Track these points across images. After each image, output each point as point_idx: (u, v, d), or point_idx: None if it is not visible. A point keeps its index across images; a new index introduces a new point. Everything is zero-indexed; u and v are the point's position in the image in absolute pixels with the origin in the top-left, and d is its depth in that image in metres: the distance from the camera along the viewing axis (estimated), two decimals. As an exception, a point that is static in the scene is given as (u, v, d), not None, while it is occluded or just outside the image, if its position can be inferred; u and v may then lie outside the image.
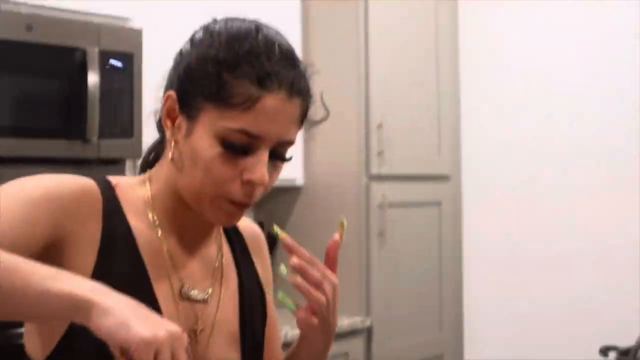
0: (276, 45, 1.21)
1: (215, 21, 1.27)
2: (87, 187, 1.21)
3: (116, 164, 3.04)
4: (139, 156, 2.98)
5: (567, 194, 3.77)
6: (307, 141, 3.53)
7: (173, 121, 1.23)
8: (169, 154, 1.24)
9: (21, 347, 1.25)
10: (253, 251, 1.45)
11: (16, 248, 1.06)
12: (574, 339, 3.62)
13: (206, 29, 1.25)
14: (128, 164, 3.11)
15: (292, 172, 3.61)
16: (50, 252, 1.14)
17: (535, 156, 3.89)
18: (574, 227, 3.75)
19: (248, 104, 1.15)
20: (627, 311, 3.44)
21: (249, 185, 1.17)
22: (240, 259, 1.41)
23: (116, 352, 0.98)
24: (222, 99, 1.16)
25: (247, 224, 1.49)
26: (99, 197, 1.22)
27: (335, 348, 3.31)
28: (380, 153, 3.62)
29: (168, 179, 1.27)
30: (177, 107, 1.22)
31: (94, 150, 2.87)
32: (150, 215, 1.27)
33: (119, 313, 0.97)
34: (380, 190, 3.62)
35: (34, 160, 2.76)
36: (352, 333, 3.53)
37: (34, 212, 1.12)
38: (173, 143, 1.22)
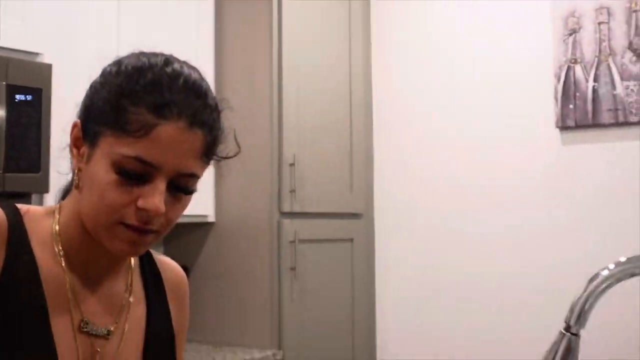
0: (182, 77, 1.19)
1: (129, 55, 1.25)
2: None
3: (22, 198, 2.92)
4: (45, 191, 2.91)
5: (482, 231, 3.81)
6: (218, 177, 3.51)
7: (79, 149, 1.22)
8: (75, 183, 1.22)
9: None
10: (171, 294, 1.42)
11: None
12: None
13: (117, 61, 1.24)
14: (34, 198, 3.00)
15: (203, 208, 3.60)
16: None
17: (450, 193, 3.92)
18: (486, 264, 3.80)
19: (143, 131, 1.13)
20: (537, 332, 3.50)
21: (143, 212, 1.14)
22: (153, 299, 1.37)
23: None
24: (119, 125, 1.15)
25: (171, 267, 1.47)
26: (5, 224, 1.18)
27: None
28: (292, 191, 3.60)
29: (74, 208, 1.24)
30: (81, 135, 1.21)
31: (-1, 183, 2.79)
32: (55, 247, 1.24)
33: None
34: (292, 227, 3.60)
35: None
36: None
37: None
38: (77, 170, 1.21)
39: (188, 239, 3.74)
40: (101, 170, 1.16)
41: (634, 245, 3.26)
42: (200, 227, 3.73)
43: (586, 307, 1.29)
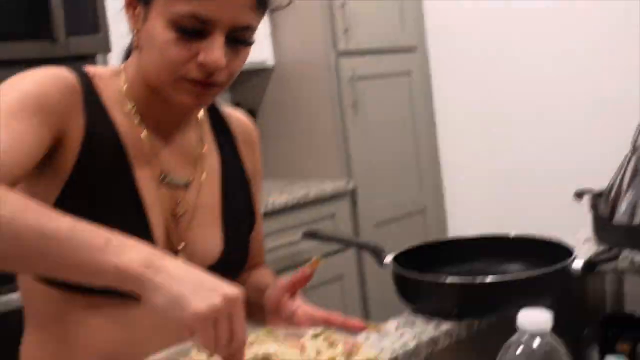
0: None
1: None
2: (67, 82, 1.19)
3: (86, 60, 2.94)
4: (108, 50, 2.92)
5: (539, 55, 3.71)
6: (273, 23, 3.48)
7: (134, 10, 1.21)
8: (134, 43, 1.22)
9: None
10: (241, 143, 1.43)
11: (15, 177, 1.05)
12: (550, 189, 3.65)
13: None
14: (99, 58, 3.03)
15: (261, 54, 3.59)
16: (47, 157, 1.13)
17: (503, 22, 3.80)
18: (544, 84, 3.71)
19: None
20: (599, 159, 3.46)
21: (205, 66, 1.14)
22: (225, 149, 1.39)
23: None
24: None
25: (237, 117, 1.47)
26: (79, 89, 1.19)
27: (320, 211, 3.42)
28: (346, 30, 3.57)
29: (138, 68, 1.24)
30: None
31: (63, 48, 2.78)
32: (128, 105, 1.25)
33: (170, 288, 0.94)
34: (349, 64, 3.59)
35: (5, 63, 2.64)
36: (336, 196, 3.58)
37: (26, 127, 1.10)
38: (135, 31, 1.20)
39: (250, 84, 3.77)
40: (158, 29, 1.15)
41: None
42: (261, 73, 3.74)
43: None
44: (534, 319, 0.88)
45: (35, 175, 1.15)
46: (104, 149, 1.21)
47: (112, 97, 1.25)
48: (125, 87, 1.27)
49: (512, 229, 1.88)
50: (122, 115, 1.25)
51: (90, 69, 1.26)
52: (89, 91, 1.22)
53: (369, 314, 3.65)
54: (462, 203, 4.08)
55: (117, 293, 1.19)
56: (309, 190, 3.42)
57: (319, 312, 1.26)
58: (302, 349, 1.11)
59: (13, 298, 2.53)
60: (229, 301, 0.94)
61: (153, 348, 1.10)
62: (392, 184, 3.85)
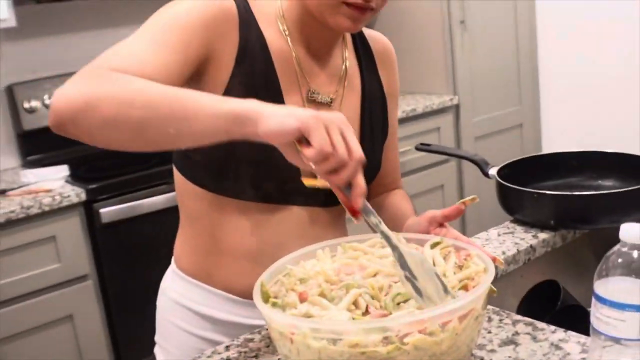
0: None
1: None
2: (222, 3, 1.18)
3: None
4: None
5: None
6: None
7: None
8: None
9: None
10: (380, 63, 1.42)
11: (172, 76, 1.07)
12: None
13: None
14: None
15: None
16: (198, 69, 1.15)
17: None
18: None
19: None
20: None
21: None
22: (366, 68, 1.39)
23: (285, 149, 0.97)
24: None
25: (377, 38, 1.45)
26: (234, 9, 1.19)
27: (427, 124, 3.43)
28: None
29: None
30: None
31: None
32: (280, 26, 1.25)
33: (282, 112, 0.96)
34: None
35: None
36: (442, 110, 3.56)
37: (184, 38, 1.12)
38: None
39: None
40: None
41: None
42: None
43: None
44: (637, 232, 0.88)
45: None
46: (256, 66, 1.21)
47: (267, 17, 1.25)
48: (281, 7, 1.26)
49: (606, 146, 1.84)
50: (275, 34, 1.25)
51: None
52: (246, 10, 1.21)
53: (466, 223, 3.66)
54: (557, 121, 3.98)
55: (263, 199, 1.25)
56: (417, 104, 3.42)
57: (465, 239, 1.19)
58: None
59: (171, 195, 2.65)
60: (335, 116, 0.96)
61: (294, 250, 1.15)
62: (493, 101, 3.79)
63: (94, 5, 2.98)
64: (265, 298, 1.03)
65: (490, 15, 3.65)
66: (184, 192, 1.33)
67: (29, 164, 2.90)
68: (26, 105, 2.88)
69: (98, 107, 0.98)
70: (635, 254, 0.88)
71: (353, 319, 0.96)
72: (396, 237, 1.04)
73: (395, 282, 1.01)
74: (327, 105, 1.29)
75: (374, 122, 1.37)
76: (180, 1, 1.16)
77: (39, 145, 2.95)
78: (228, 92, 1.17)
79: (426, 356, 0.92)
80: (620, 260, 0.88)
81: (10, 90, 2.89)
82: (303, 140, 0.94)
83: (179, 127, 0.99)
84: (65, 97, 1.00)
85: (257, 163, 1.21)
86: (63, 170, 2.71)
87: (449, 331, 0.92)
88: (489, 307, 1.23)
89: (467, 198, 1.18)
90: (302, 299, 1.01)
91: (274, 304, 1.02)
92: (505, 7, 3.73)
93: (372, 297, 1.00)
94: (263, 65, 1.21)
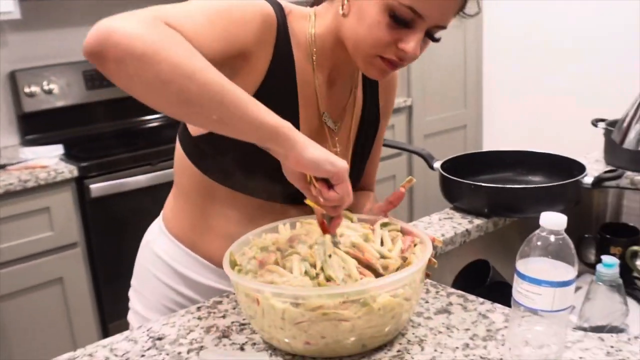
0: None
1: None
2: (269, 14, 1.11)
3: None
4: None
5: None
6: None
7: None
8: (339, 6, 1.13)
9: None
10: (382, 90, 1.36)
11: (214, 59, 0.97)
12: (572, 115, 3.58)
13: None
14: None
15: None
16: (232, 65, 1.07)
17: None
18: (581, 20, 3.54)
19: None
20: (617, 93, 3.36)
21: (402, 52, 1.08)
22: (369, 97, 1.33)
23: (298, 177, 1.04)
24: None
25: None
26: (275, 24, 1.12)
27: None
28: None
29: (333, 24, 1.16)
30: None
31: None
32: (309, 49, 1.18)
33: (317, 150, 0.99)
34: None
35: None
36: (397, 110, 3.57)
37: (233, 30, 1.04)
38: (346, 2, 1.11)
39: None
40: (374, 9, 1.06)
41: None
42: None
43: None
44: (553, 220, 0.90)
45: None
46: (281, 83, 1.14)
47: (299, 39, 1.17)
48: (313, 32, 1.18)
49: (537, 147, 1.86)
50: (303, 55, 1.18)
51: (286, 5, 1.17)
52: (283, 28, 1.14)
53: (413, 209, 3.69)
54: (496, 124, 4.02)
55: (252, 194, 1.23)
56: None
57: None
58: (372, 231, 1.13)
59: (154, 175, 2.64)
60: (346, 171, 1.02)
61: None
62: (442, 104, 3.82)
63: (91, 3, 2.95)
64: (233, 266, 1.05)
65: (443, 31, 3.66)
66: (181, 168, 1.27)
67: (27, 143, 2.86)
68: (27, 90, 2.84)
69: (156, 64, 0.87)
70: (552, 238, 0.89)
71: (318, 284, 0.98)
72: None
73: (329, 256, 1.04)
74: (333, 130, 1.26)
75: (366, 143, 1.35)
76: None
77: (37, 126, 2.91)
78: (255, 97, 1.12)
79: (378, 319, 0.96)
80: (539, 243, 0.89)
81: (12, 76, 2.85)
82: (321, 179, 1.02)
83: (223, 117, 0.93)
84: (125, 35, 0.87)
85: (257, 168, 1.18)
86: (58, 149, 2.68)
87: (399, 296, 0.97)
88: (428, 281, 1.25)
89: (404, 181, 1.18)
90: (262, 265, 1.03)
91: (239, 271, 1.04)
92: (455, 24, 3.73)
93: (310, 265, 1.02)
94: (287, 84, 1.16)
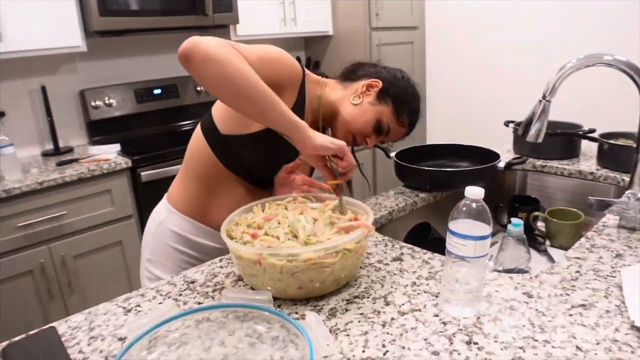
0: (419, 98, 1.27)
1: (399, 69, 1.30)
2: (298, 68, 1.16)
3: (224, 28, 2.91)
4: (237, 22, 2.86)
5: (501, 23, 3.52)
6: (334, 7, 3.34)
7: (367, 88, 1.24)
8: (352, 96, 1.23)
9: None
10: None
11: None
12: (493, 116, 3.57)
13: (400, 71, 1.30)
14: (231, 27, 2.97)
15: (325, 26, 3.48)
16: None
17: (483, 21, 3.55)
18: (499, 44, 3.51)
19: (402, 122, 1.25)
20: (526, 100, 3.36)
21: (365, 143, 1.24)
22: None
23: (316, 158, 1.05)
24: (397, 110, 1.23)
25: None
26: (301, 76, 1.17)
27: None
28: (377, 14, 3.42)
29: (337, 100, 1.23)
30: (376, 89, 1.23)
31: (210, 20, 2.73)
32: (314, 102, 1.22)
33: (323, 137, 1.02)
34: (377, 36, 3.45)
35: (175, 29, 2.64)
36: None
37: (272, 72, 1.08)
38: (359, 97, 1.22)
39: (318, 45, 3.65)
40: (371, 115, 1.21)
41: (593, 46, 3.00)
42: (325, 38, 3.62)
43: (556, 84, 1.22)
44: (475, 192, 0.89)
45: None
46: (298, 111, 1.15)
47: (310, 97, 1.20)
48: (319, 94, 1.22)
49: (466, 140, 1.86)
50: (309, 116, 1.21)
51: (306, 69, 1.20)
52: (302, 85, 1.17)
53: (377, 187, 3.67)
54: (437, 122, 4.00)
55: (252, 181, 1.22)
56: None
57: (307, 178, 1.21)
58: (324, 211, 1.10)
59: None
60: (346, 147, 1.05)
61: None
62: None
63: (141, 39, 2.91)
64: (230, 238, 1.00)
65: (396, 56, 3.62)
66: (198, 156, 1.22)
67: (93, 142, 2.83)
68: (93, 103, 2.81)
69: (224, 66, 0.94)
70: (473, 205, 0.89)
71: (305, 243, 0.96)
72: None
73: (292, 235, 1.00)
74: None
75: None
76: (281, 49, 1.13)
77: (101, 130, 2.88)
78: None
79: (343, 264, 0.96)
80: (464, 208, 0.89)
81: (82, 94, 2.81)
82: (333, 156, 1.06)
83: (263, 109, 0.98)
84: (207, 46, 0.95)
85: (264, 165, 1.18)
86: (116, 147, 2.65)
87: (360, 247, 0.97)
88: (385, 237, 1.25)
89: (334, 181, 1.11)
90: (254, 237, 0.99)
91: (236, 242, 0.99)
92: (406, 51, 3.73)
93: (290, 232, 0.99)
94: (300, 111, 1.18)
